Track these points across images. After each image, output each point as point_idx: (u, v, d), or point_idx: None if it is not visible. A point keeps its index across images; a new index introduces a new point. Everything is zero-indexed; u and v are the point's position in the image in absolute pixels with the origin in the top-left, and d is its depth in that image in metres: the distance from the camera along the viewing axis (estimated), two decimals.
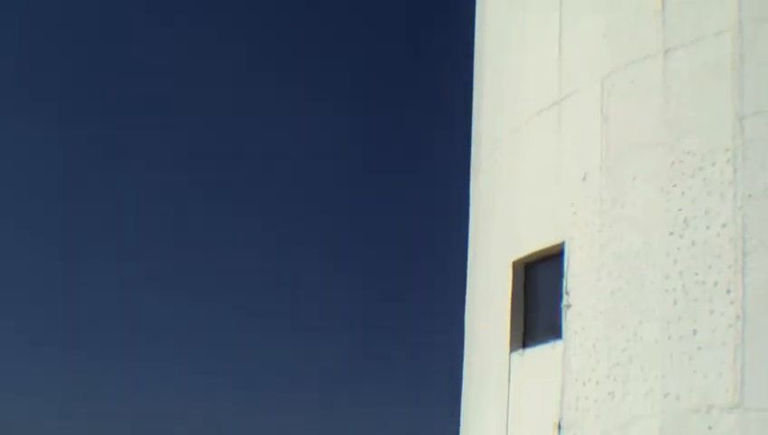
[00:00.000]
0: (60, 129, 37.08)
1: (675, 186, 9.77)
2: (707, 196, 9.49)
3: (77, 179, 36.73)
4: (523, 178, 11.88)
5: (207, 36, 37.65)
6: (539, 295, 11.64)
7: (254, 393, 35.00)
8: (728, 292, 9.19)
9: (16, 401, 32.91)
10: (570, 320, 10.65)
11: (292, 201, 37.90)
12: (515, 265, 11.81)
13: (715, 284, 9.29)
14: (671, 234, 9.71)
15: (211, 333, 36.51)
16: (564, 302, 10.76)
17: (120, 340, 35.10)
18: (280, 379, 35.63)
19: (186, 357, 35.85)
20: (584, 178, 10.75)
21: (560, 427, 10.51)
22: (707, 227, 9.43)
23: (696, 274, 9.44)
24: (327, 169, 37.90)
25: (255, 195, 37.81)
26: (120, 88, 37.10)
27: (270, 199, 37.67)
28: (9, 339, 34.76)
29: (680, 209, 9.67)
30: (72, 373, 35.36)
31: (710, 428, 9.00)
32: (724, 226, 9.32)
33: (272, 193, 37.72)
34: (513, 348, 11.66)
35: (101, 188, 37.21)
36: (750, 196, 9.18)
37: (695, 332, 9.33)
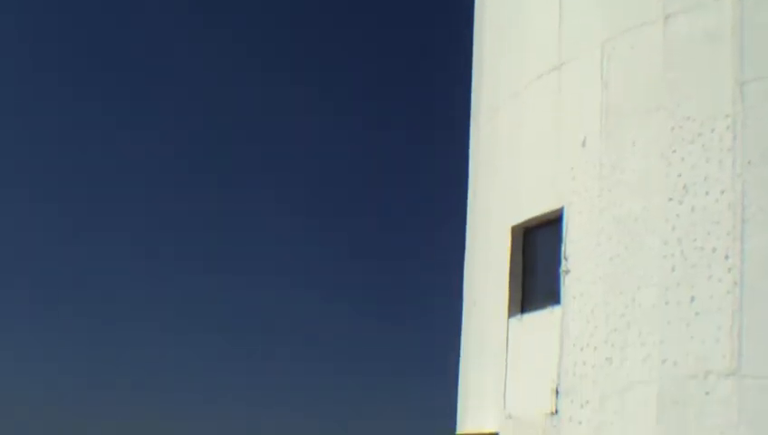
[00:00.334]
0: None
1: (674, 151, 9.74)
2: (706, 162, 9.46)
3: None
4: (523, 143, 11.85)
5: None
6: (538, 261, 11.65)
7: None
8: (726, 258, 9.18)
9: None
10: (568, 285, 10.66)
11: (303, 161, 37.97)
12: (514, 230, 11.81)
13: (714, 250, 9.28)
14: (670, 200, 9.69)
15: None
16: (563, 267, 10.76)
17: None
18: (281, 336, 35.86)
19: None
20: (584, 144, 10.72)
21: (557, 392, 10.54)
22: (706, 194, 9.41)
23: (695, 240, 9.42)
24: (330, 128, 37.94)
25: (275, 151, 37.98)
26: None
27: (279, 158, 37.76)
28: None
29: (679, 175, 9.65)
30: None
31: (707, 393, 9.02)
32: (723, 192, 9.30)
33: (282, 151, 37.80)
34: (511, 313, 11.68)
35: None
36: (749, 162, 9.15)
37: (693, 298, 9.33)
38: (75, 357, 36.06)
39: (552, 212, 11.10)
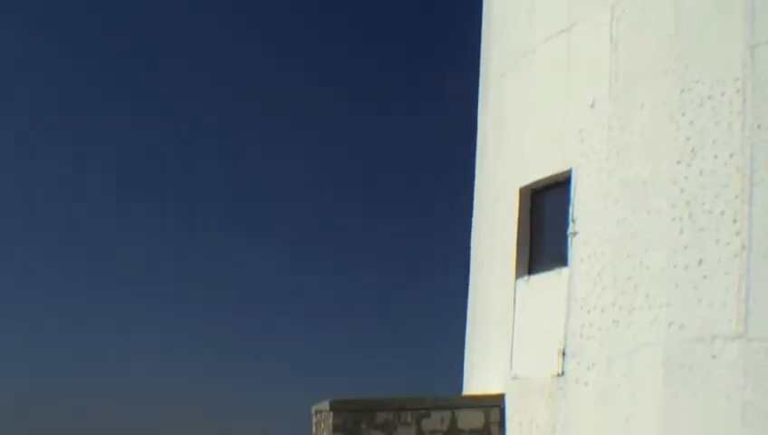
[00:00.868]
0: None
1: (683, 114, 9.71)
2: (716, 125, 9.43)
3: None
4: (531, 105, 11.82)
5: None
6: (545, 223, 11.66)
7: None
8: (735, 221, 9.18)
9: None
10: (576, 247, 10.67)
11: (319, 128, 38.09)
12: (522, 191, 11.81)
13: (722, 213, 9.27)
14: (678, 162, 9.68)
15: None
16: (571, 229, 10.77)
17: None
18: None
19: None
20: (592, 106, 10.70)
21: (564, 354, 10.58)
22: (715, 157, 9.39)
23: (703, 203, 9.42)
24: (337, 97, 37.95)
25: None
26: None
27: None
28: None
29: (688, 138, 9.63)
30: None
31: (714, 357, 9.05)
32: (731, 155, 9.27)
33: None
34: (518, 275, 11.70)
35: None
36: (759, 126, 9.12)
37: (700, 261, 9.33)
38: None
39: (560, 174, 11.10)
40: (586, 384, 10.24)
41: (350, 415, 11.41)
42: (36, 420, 32.86)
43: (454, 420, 11.61)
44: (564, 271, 10.81)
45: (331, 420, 11.38)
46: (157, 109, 38.10)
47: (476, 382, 12.72)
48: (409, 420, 11.53)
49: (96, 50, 37.99)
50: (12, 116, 37.30)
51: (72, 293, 37.15)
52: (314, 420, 12.47)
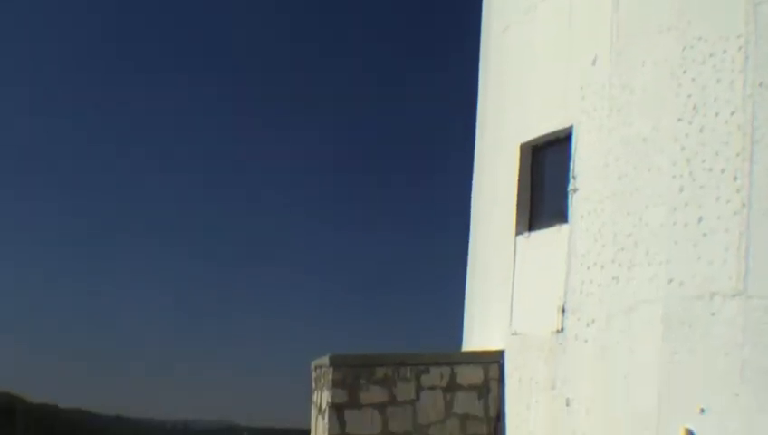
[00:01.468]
0: None
1: (685, 72, 9.68)
2: (717, 83, 9.41)
3: None
4: (533, 61, 11.78)
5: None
6: (546, 179, 11.65)
7: None
8: (735, 179, 9.17)
9: None
10: (576, 204, 10.67)
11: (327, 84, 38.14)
12: (523, 148, 11.80)
13: (723, 171, 9.27)
14: (680, 120, 9.66)
15: None
16: (571, 186, 10.77)
17: None
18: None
19: None
20: (594, 63, 10.66)
21: (564, 310, 10.61)
22: (716, 114, 9.38)
23: (704, 160, 9.41)
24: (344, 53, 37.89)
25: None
26: None
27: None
28: None
29: (689, 96, 9.60)
30: None
31: (713, 314, 9.08)
32: (733, 113, 9.26)
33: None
34: (518, 231, 11.72)
35: None
36: (761, 84, 9.09)
37: (700, 218, 9.34)
38: None
39: (561, 131, 11.09)
40: (585, 341, 10.29)
41: (350, 370, 11.47)
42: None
43: (453, 376, 11.67)
44: (564, 227, 10.83)
45: (330, 376, 11.44)
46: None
47: (476, 339, 12.77)
48: (409, 375, 11.59)
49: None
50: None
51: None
52: (314, 375, 12.53)
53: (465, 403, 11.66)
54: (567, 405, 10.43)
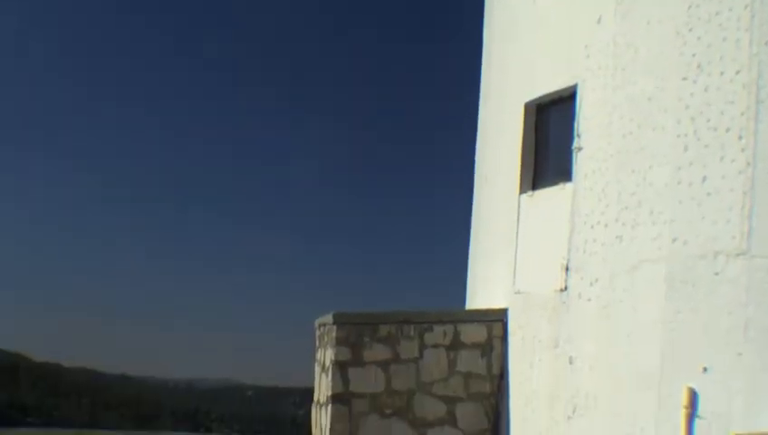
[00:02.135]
0: None
1: (690, 30, 9.63)
2: (723, 41, 9.36)
3: None
4: (538, 20, 11.73)
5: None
6: (550, 137, 11.63)
7: None
8: (740, 138, 9.14)
9: None
10: (580, 163, 10.66)
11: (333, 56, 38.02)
12: (527, 106, 11.77)
13: (727, 130, 9.24)
14: (684, 79, 9.62)
15: None
16: (575, 144, 10.75)
17: None
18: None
19: None
20: (599, 21, 10.61)
21: (567, 268, 10.62)
22: (721, 73, 9.33)
23: (708, 120, 9.38)
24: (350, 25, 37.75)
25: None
26: None
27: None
28: None
29: (694, 54, 9.56)
30: None
31: (716, 274, 9.08)
32: (738, 72, 9.21)
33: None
34: (522, 190, 11.71)
35: None
36: (766, 43, 9.05)
37: (705, 178, 9.32)
38: None
39: (566, 89, 11.05)
40: (589, 299, 10.31)
41: (354, 328, 11.51)
42: None
43: (457, 334, 11.71)
44: (568, 186, 10.82)
45: (334, 333, 11.48)
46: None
47: (480, 297, 12.81)
48: (412, 333, 11.63)
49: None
50: None
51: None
52: (318, 333, 12.58)
53: (468, 361, 11.70)
54: (570, 364, 10.47)
